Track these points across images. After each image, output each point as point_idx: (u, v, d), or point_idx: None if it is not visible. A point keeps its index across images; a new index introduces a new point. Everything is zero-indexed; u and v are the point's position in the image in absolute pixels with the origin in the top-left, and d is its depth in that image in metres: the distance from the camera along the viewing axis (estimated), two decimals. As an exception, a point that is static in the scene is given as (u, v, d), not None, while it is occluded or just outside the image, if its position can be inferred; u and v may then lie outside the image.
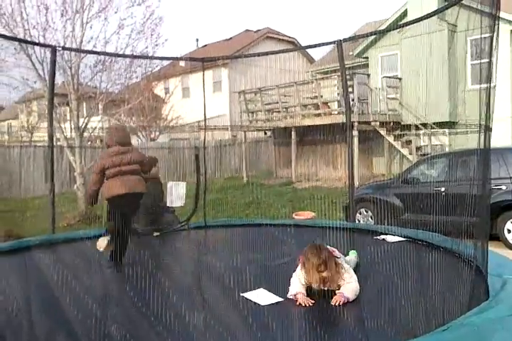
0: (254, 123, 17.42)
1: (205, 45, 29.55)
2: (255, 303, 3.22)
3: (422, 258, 4.22)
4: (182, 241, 5.37)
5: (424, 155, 13.66)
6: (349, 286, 3.25)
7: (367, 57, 17.18)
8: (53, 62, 6.13)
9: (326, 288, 3.28)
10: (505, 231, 7.34)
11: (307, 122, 15.40)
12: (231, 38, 27.89)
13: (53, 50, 6.30)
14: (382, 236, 5.22)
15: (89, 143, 13.49)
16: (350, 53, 16.99)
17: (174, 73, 22.15)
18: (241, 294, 3.40)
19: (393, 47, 15.95)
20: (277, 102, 16.49)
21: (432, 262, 4.13)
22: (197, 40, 32.16)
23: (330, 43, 6.53)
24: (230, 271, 3.94)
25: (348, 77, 15.65)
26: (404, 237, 5.07)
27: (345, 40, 6.31)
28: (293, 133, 15.86)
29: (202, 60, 7.19)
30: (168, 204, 6.04)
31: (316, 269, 3.17)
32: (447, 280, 3.49)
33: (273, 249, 4.82)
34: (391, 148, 14.85)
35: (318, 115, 15.31)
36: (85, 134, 11.60)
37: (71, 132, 11.62)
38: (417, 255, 4.35)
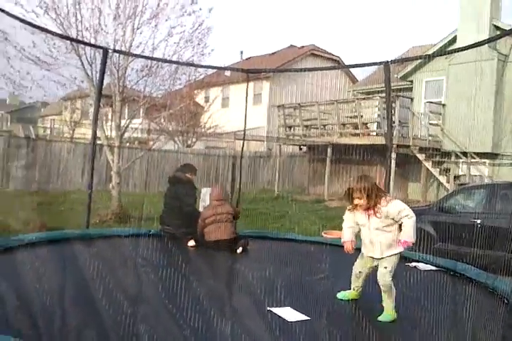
0: (291, 138, 17.41)
1: (249, 58, 29.85)
2: (282, 318, 3.19)
3: (454, 289, 4.10)
4: (214, 248, 5.35)
5: (462, 184, 13.36)
6: (406, 230, 3.35)
7: (411, 81, 17.02)
8: (104, 63, 6.28)
9: (367, 216, 3.42)
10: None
11: (345, 141, 15.30)
12: (275, 53, 28.09)
13: (105, 51, 6.46)
14: (414, 264, 5.09)
15: (127, 144, 13.71)
16: (395, 76, 16.86)
17: (216, 83, 22.41)
18: (268, 308, 3.36)
19: (439, 73, 15.76)
20: (316, 118, 16.45)
21: (464, 295, 4.01)
22: (241, 52, 32.54)
23: (377, 64, 6.49)
24: (260, 283, 3.91)
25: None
26: (437, 267, 4.93)
27: (392, 61, 6.25)
28: (329, 150, 15.78)
29: (247, 72, 7.25)
30: (200, 209, 6.07)
31: (352, 195, 3.41)
32: (479, 315, 3.38)
33: (304, 265, 4.76)
34: (428, 175, 14.58)
35: (357, 135, 15.20)
36: (125, 135, 11.82)
37: (111, 132, 11.86)
38: (449, 285, 4.22)
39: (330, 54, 26.14)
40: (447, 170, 14.26)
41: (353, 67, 6.01)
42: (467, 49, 6.11)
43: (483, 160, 14.02)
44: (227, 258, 5.16)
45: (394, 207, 3.38)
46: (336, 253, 5.19)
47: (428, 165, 14.28)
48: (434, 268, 4.89)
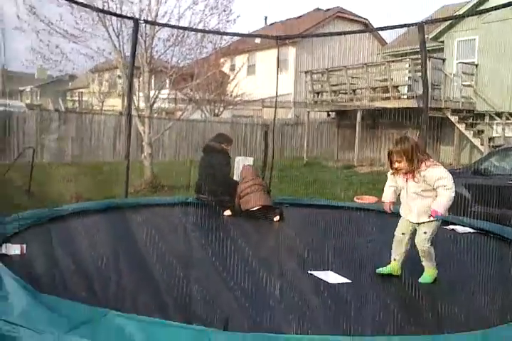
0: (320, 104, 17.24)
1: (273, 23, 29.28)
2: (324, 280, 3.26)
3: (495, 250, 4.10)
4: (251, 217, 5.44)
5: (496, 146, 13.08)
6: (439, 200, 3.22)
7: (442, 41, 16.48)
8: (135, 33, 6.28)
9: (405, 179, 3.33)
10: None
11: (375, 105, 15.06)
12: (300, 17, 27.46)
13: (136, 21, 6.45)
14: (452, 227, 5.07)
15: (156, 114, 13.80)
16: (426, 36, 16.33)
17: (242, 50, 22.15)
18: (309, 271, 3.43)
19: (472, 32, 15.21)
20: (345, 83, 16.20)
21: (506, 256, 4.01)
22: (265, 17, 31.96)
23: (411, 25, 6.30)
24: (301, 248, 3.98)
25: (420, 61, 15.18)
26: (476, 229, 4.92)
27: (426, 22, 6.08)
28: (358, 115, 15.58)
29: (276, 38, 7.15)
30: (234, 178, 6.15)
31: (390, 158, 3.32)
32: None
33: (343, 230, 4.79)
34: (461, 137, 14.32)
35: (387, 98, 14.94)
36: (154, 106, 11.89)
37: (138, 103, 11.94)
38: (489, 247, 4.21)
39: (357, 16, 25.43)
40: (481, 132, 13.97)
41: (385, 29, 5.81)
42: (501, 8, 5.86)
43: (518, 121, 13.68)
44: (266, 225, 5.23)
45: (433, 172, 3.22)
46: (373, 218, 5.25)
47: (461, 127, 13.99)
48: (472, 230, 4.88)
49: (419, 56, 14.74)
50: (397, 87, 15.43)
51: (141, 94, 11.92)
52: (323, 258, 3.73)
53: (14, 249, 3.70)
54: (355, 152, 15.89)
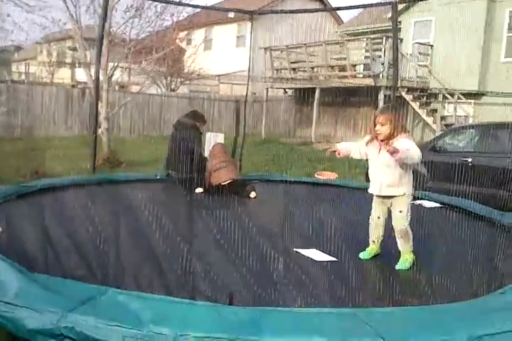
0: (279, 81, 17.21)
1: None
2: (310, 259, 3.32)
3: (465, 224, 4.28)
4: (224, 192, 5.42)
5: (447, 125, 13.56)
6: (406, 144, 3.19)
7: (399, 22, 16.70)
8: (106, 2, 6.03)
9: (378, 149, 3.36)
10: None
11: (333, 84, 15.21)
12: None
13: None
14: (419, 202, 5.24)
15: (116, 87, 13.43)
16: (384, 16, 16.55)
17: (201, 24, 21.68)
18: (294, 249, 3.49)
19: (428, 14, 15.50)
20: (304, 61, 16.22)
21: (475, 229, 4.19)
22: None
23: (384, 4, 6.38)
24: (282, 226, 4.00)
25: (378, 40, 15.39)
26: (442, 204, 5.12)
27: (399, 1, 6.16)
28: (317, 93, 15.69)
29: (251, 13, 7.04)
30: (205, 154, 6.11)
31: (374, 120, 3.37)
32: (492, 248, 3.54)
33: (316, 206, 4.85)
34: (415, 116, 14.73)
35: (344, 77, 15.11)
36: (112, 79, 11.55)
37: (97, 76, 11.52)
38: (458, 221, 4.41)
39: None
40: (434, 111, 14.41)
41: (358, 7, 5.84)
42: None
43: (469, 101, 14.18)
44: (243, 202, 5.23)
45: (403, 143, 3.21)
46: (339, 194, 5.37)
47: (415, 106, 14.39)
48: (438, 205, 5.09)
49: (378, 35, 15.07)
50: (354, 65, 15.61)
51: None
52: (306, 235, 3.79)
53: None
54: (313, 129, 16.07)
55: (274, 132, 18.51)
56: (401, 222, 3.36)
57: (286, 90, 19.38)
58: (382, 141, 3.37)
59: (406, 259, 3.34)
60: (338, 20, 25.02)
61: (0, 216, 3.83)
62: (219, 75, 20.81)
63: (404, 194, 3.35)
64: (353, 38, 17.08)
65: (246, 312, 2.23)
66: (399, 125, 3.34)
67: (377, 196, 3.47)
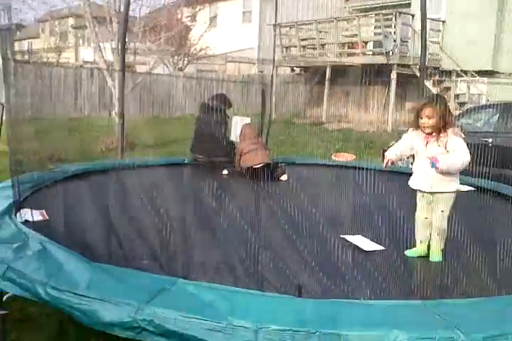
0: (288, 60, 17.00)
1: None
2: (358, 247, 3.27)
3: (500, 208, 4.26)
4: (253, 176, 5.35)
5: (461, 103, 13.46)
6: (449, 156, 3.01)
7: (411, -3, 16.40)
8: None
9: (425, 142, 3.13)
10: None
11: (344, 61, 15.03)
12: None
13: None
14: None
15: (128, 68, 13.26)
16: (396, -9, 16.26)
17: (205, 0, 21.32)
18: (341, 236, 3.47)
19: (439, -12, 15.22)
20: (314, 38, 15.99)
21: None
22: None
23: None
24: (322, 210, 3.97)
25: (389, 16, 15.11)
26: (476, 187, 5.06)
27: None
28: (327, 71, 15.51)
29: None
30: (232, 139, 6.07)
31: (420, 113, 3.08)
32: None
33: (355, 190, 4.74)
34: (428, 95, 14.59)
35: (355, 54, 14.92)
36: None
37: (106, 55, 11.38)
38: (494, 206, 4.39)
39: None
40: (447, 89, 14.28)
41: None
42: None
43: (482, 79, 14.02)
44: (278, 186, 5.16)
45: (455, 142, 3.04)
46: (374, 176, 5.29)
47: (428, 84, 14.23)
48: (473, 188, 5.04)
49: (389, 11, 14.80)
50: (366, 42, 15.41)
51: (107, 45, 11.39)
52: (349, 220, 3.77)
53: (35, 215, 3.56)
54: (324, 108, 15.95)
55: (284, 112, 18.36)
56: (441, 221, 3.17)
57: (294, 68, 19.12)
58: (429, 134, 3.14)
59: (438, 253, 3.18)
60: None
61: (42, 203, 3.80)
62: (226, 53, 20.52)
63: (455, 191, 3.15)
64: (363, 14, 16.78)
65: (321, 305, 2.24)
66: (449, 117, 3.11)
67: (423, 192, 3.23)
